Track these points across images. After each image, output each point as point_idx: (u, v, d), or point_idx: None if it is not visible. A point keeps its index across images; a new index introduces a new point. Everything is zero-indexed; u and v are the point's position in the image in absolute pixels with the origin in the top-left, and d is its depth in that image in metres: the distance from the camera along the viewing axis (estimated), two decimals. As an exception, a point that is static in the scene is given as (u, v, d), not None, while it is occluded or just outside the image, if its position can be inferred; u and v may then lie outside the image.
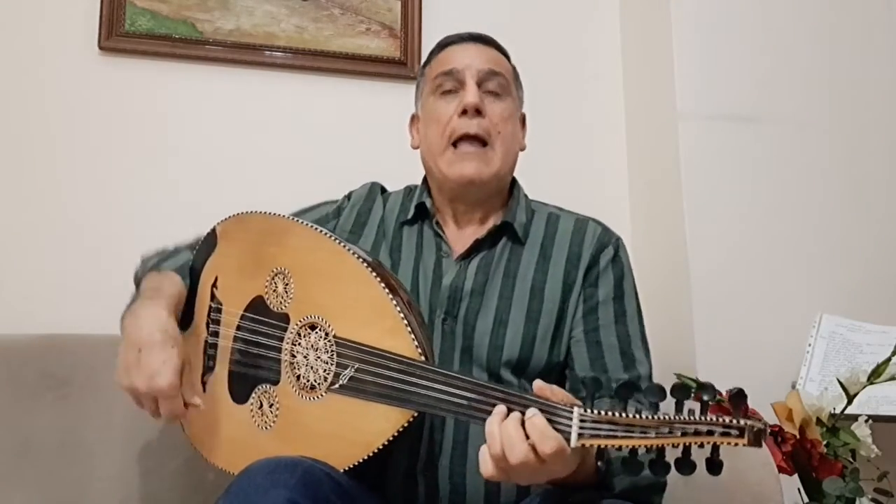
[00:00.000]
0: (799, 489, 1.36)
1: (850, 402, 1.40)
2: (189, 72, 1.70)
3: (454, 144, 1.12)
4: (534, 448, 0.78)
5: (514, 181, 1.22)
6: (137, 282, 1.12)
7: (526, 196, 1.22)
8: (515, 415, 0.80)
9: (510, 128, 1.14)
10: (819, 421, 1.38)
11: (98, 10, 1.64)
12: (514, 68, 1.22)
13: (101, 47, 1.65)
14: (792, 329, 1.62)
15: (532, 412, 0.79)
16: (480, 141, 1.11)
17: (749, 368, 1.52)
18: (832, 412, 1.40)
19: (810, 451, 1.34)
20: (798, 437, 1.36)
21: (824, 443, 1.36)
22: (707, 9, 1.77)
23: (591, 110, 1.92)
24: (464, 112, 1.10)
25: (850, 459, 1.38)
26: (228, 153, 1.70)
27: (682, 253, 1.67)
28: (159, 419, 0.98)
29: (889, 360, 1.41)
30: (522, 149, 1.22)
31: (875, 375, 1.41)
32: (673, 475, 1.02)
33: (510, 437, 0.79)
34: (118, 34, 1.65)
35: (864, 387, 1.41)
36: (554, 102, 1.84)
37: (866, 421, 1.39)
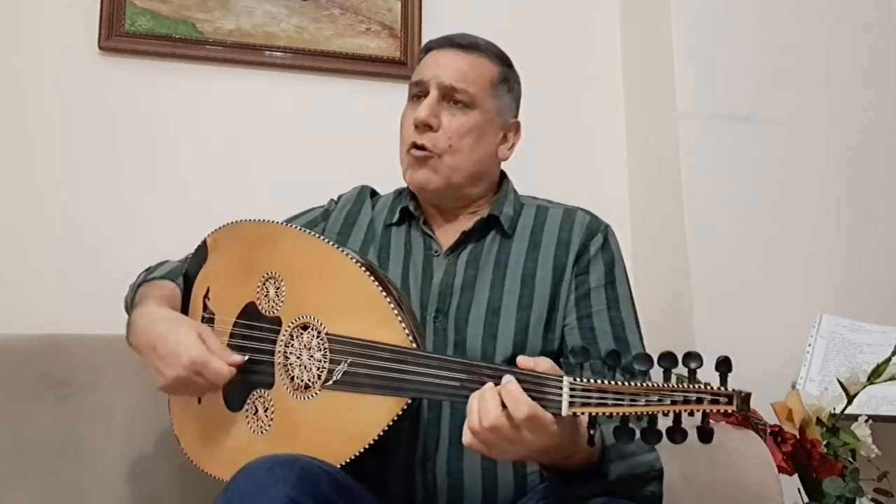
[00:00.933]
0: (799, 489, 1.36)
1: (850, 402, 1.41)
2: (189, 72, 1.70)
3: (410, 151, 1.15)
4: (508, 414, 0.79)
5: (503, 177, 1.23)
6: (128, 308, 1.13)
7: (515, 191, 1.23)
8: (496, 385, 0.82)
9: (468, 141, 1.13)
10: (819, 421, 1.39)
11: (98, 10, 1.64)
12: (500, 73, 1.18)
13: (101, 47, 1.65)
14: (792, 329, 1.62)
15: (507, 379, 0.81)
16: (429, 150, 1.13)
17: (749, 368, 1.52)
18: (832, 412, 1.40)
19: (810, 451, 1.35)
20: (798, 437, 1.36)
21: (824, 443, 1.37)
22: (707, 9, 1.77)
23: (591, 110, 1.92)
24: (416, 126, 1.14)
25: (850, 459, 1.38)
26: (228, 153, 1.70)
27: (682, 253, 1.67)
28: (217, 389, 0.99)
29: (889, 360, 1.41)
30: (503, 158, 1.21)
31: (875, 375, 1.41)
32: (671, 475, 1.03)
33: (485, 402, 0.80)
34: (118, 34, 1.65)
35: (864, 387, 1.41)
36: (554, 102, 1.84)
37: (866, 421, 1.39)
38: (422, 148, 1.12)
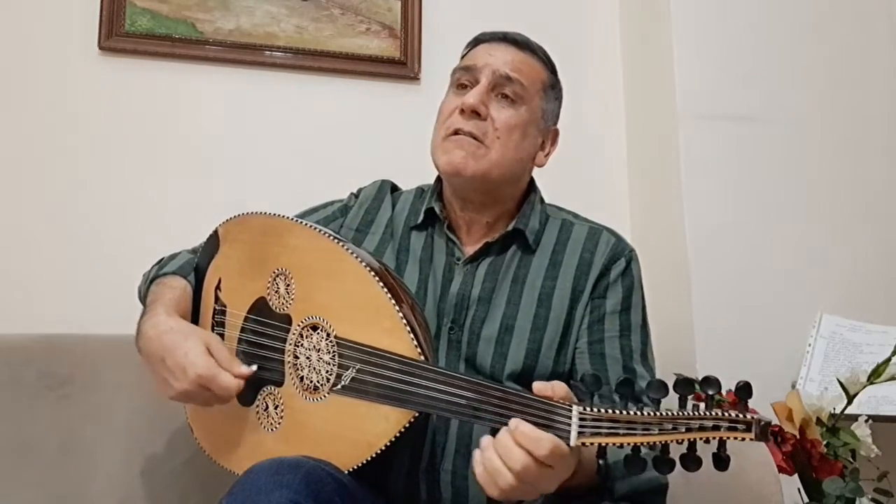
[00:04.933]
0: (799, 489, 1.37)
1: (850, 402, 1.41)
2: (189, 72, 1.70)
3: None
4: (531, 454, 0.77)
5: (532, 186, 1.20)
6: (142, 299, 1.12)
7: (542, 201, 1.20)
8: (502, 429, 0.80)
9: (515, 137, 1.10)
10: (819, 421, 1.39)
11: (98, 10, 1.64)
12: (549, 78, 1.17)
13: (101, 47, 1.65)
14: (792, 329, 1.62)
15: (514, 423, 0.79)
16: (474, 138, 1.09)
17: (749, 368, 1.52)
18: (832, 412, 1.40)
19: (810, 451, 1.35)
20: (798, 437, 1.36)
21: (824, 443, 1.37)
22: (707, 9, 1.77)
23: (592, 110, 1.92)
24: (462, 111, 1.09)
25: (850, 459, 1.38)
26: (228, 153, 1.70)
27: (682, 252, 1.67)
28: (227, 401, 0.98)
29: (889, 360, 1.41)
30: (539, 165, 1.18)
31: (875, 375, 1.41)
32: (672, 476, 1.03)
33: (505, 446, 0.78)
34: (118, 34, 1.65)
35: (864, 387, 1.41)
36: (554, 102, 1.84)
37: (866, 421, 1.39)
38: (468, 135, 1.08)
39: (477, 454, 0.81)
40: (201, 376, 0.94)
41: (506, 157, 1.10)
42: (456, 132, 1.09)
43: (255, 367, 1.00)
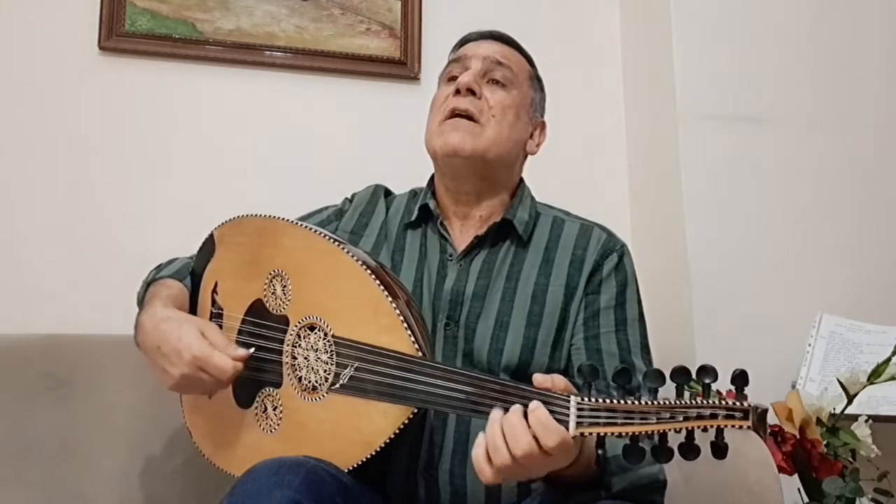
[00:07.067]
0: (799, 489, 1.37)
1: (850, 402, 1.41)
2: (189, 72, 1.70)
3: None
4: (537, 440, 0.77)
5: (521, 182, 1.21)
6: (140, 304, 1.12)
7: (533, 198, 1.21)
8: (517, 407, 0.80)
9: (509, 117, 1.13)
10: (819, 421, 1.39)
11: (98, 10, 1.64)
12: (534, 71, 1.22)
13: (101, 47, 1.65)
14: (792, 329, 1.62)
15: (535, 405, 0.78)
16: (471, 118, 1.11)
17: (749, 368, 1.52)
18: (832, 412, 1.40)
19: (810, 451, 1.35)
20: (798, 437, 1.36)
21: (824, 443, 1.37)
22: (707, 9, 1.77)
23: (591, 111, 1.92)
24: (458, 91, 1.12)
25: (850, 459, 1.38)
26: (228, 153, 1.70)
27: (682, 253, 1.67)
28: (226, 386, 0.98)
29: (889, 360, 1.41)
30: (531, 152, 1.21)
31: (875, 375, 1.41)
32: (671, 475, 1.03)
33: (513, 427, 0.78)
34: (118, 34, 1.65)
35: (864, 387, 1.41)
36: (554, 103, 1.83)
37: (866, 421, 1.39)
38: (464, 115, 1.11)
39: (480, 436, 0.81)
40: (196, 357, 0.94)
41: (501, 135, 1.12)
42: (452, 113, 1.11)
43: (252, 350, 1.00)
